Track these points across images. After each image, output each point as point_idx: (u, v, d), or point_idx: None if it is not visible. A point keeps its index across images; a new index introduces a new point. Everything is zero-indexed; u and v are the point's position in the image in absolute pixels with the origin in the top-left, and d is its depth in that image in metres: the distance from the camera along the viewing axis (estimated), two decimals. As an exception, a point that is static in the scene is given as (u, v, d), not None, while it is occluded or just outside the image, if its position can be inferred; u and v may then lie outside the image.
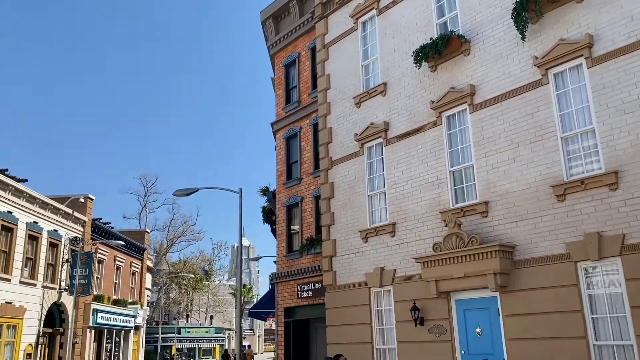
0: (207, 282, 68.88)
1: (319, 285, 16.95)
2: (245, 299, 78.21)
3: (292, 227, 18.82)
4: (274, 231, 25.12)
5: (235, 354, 32.90)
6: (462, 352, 11.44)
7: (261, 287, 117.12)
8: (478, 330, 11.26)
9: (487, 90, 11.88)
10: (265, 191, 20.00)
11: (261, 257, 36.81)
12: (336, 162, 15.40)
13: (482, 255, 10.82)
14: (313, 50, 19.59)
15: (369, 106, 14.66)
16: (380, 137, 14.04)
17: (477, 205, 11.51)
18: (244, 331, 75.27)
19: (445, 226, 11.76)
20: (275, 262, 19.35)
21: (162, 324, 49.37)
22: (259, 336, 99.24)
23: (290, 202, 19.28)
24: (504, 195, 11.13)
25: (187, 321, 64.65)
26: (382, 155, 14.03)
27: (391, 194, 13.52)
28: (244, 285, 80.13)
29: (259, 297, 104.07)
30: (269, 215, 26.28)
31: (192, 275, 56.38)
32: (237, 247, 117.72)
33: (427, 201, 12.57)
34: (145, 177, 66.09)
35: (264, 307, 19.91)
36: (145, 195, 60.53)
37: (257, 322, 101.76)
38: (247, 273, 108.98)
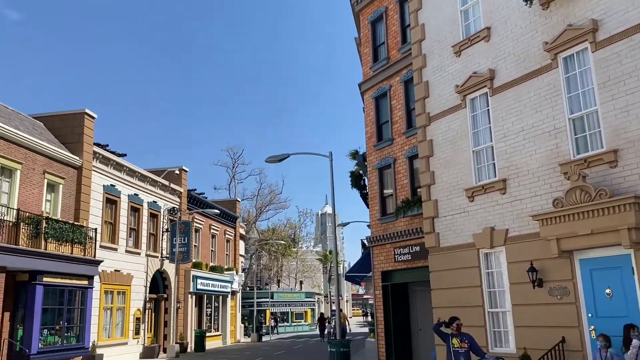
0: (294, 249, 70.36)
1: (417, 248, 16.35)
2: (333, 265, 79.39)
3: (384, 190, 18.21)
4: (363, 195, 24.66)
5: (330, 317, 33.14)
6: (589, 315, 10.47)
7: (347, 254, 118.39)
8: (608, 291, 10.22)
9: (613, 25, 10.48)
10: (355, 155, 19.47)
11: (349, 223, 36.70)
12: (434, 118, 14.51)
13: (613, 210, 9.70)
14: (401, 1, 18.53)
15: (470, 54, 13.57)
16: (485, 86, 12.97)
17: (604, 155, 10.31)
18: (332, 296, 76.53)
19: (567, 179, 10.67)
20: (368, 226, 18.90)
21: (258, 289, 51.02)
22: (347, 301, 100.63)
23: (382, 164, 18.62)
24: (638, 141, 9.86)
25: (278, 286, 66.54)
26: (488, 106, 12.98)
27: (500, 148, 12.51)
28: (331, 252, 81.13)
29: (347, 264, 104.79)
30: (357, 180, 25.77)
31: (282, 242, 57.56)
32: (324, 213, 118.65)
33: (543, 153, 11.48)
34: (232, 149, 67.83)
35: (360, 271, 19.64)
36: (233, 167, 62.26)
37: (346, 287, 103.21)
38: (332, 239, 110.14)
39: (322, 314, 49.34)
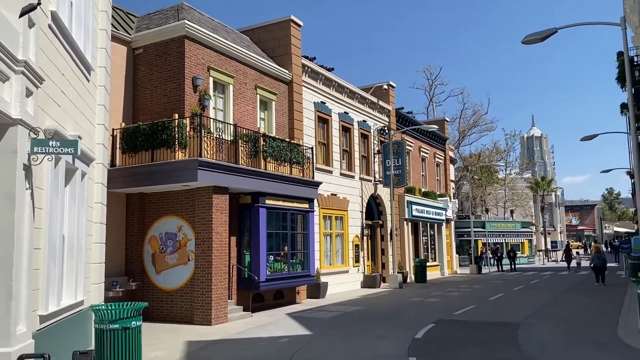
0: (501, 177, 64.13)
1: None
2: (546, 192, 71.21)
3: None
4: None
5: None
6: None
7: (560, 181, 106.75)
8: None
9: None
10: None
11: (596, 135, 29.72)
12: None
13: None
14: None
15: None
16: None
17: None
18: (541, 227, 69.05)
19: None
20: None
21: (466, 218, 47.12)
22: (560, 232, 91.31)
23: None
24: None
25: (488, 216, 61.60)
26: None
27: None
28: (543, 178, 72.69)
29: (561, 191, 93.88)
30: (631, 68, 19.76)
31: (499, 165, 52.18)
32: (531, 137, 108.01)
33: None
34: (429, 69, 63.06)
35: None
36: (430, 88, 57.75)
37: (559, 218, 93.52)
38: (541, 165, 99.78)
39: (568, 243, 44.17)
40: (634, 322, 12.81)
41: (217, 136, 14.78)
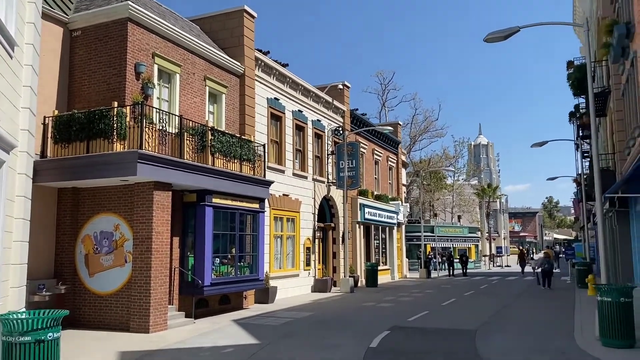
0: (449, 182, 65.13)
1: None
2: (491, 199, 72.73)
3: None
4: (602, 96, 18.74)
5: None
6: None
7: (503, 188, 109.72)
8: None
9: None
10: (609, 26, 13.65)
11: (547, 142, 29.96)
12: None
13: None
14: None
15: None
16: None
17: None
18: (486, 233, 70.42)
19: None
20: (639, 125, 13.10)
21: (415, 222, 47.19)
22: (504, 238, 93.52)
23: None
24: None
25: (435, 221, 62.20)
26: None
27: None
28: (489, 185, 74.24)
29: (505, 199, 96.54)
30: (582, 82, 19.86)
31: (451, 169, 52.93)
32: (478, 145, 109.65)
33: None
34: (382, 74, 63.17)
35: (631, 191, 14.35)
36: (383, 93, 57.78)
37: (502, 223, 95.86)
38: (487, 172, 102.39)
39: (521, 249, 45.19)
40: (589, 329, 12.57)
41: (161, 128, 13.62)
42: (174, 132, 14.12)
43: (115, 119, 12.89)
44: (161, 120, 13.71)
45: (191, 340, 11.86)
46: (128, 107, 13.19)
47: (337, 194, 25.83)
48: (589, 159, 30.55)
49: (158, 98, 15.08)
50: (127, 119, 13.02)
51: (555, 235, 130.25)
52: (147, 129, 12.91)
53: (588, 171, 27.94)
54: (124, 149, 12.82)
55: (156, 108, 13.96)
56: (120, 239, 13.47)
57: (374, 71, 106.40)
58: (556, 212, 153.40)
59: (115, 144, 12.87)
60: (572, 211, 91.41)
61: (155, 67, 14.91)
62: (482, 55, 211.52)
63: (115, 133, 12.86)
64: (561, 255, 53.02)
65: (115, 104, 13.19)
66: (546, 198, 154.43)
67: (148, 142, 12.87)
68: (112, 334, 12.45)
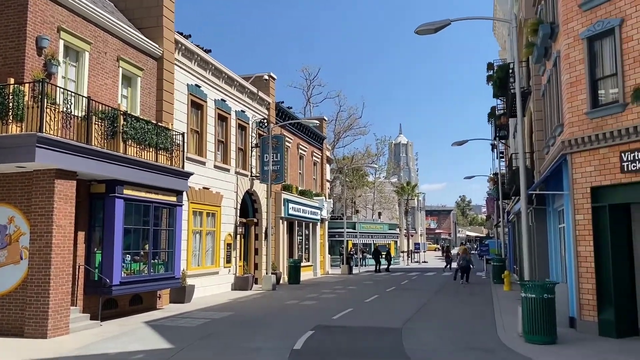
0: (371, 180, 66.18)
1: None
2: (410, 197, 74.60)
3: (596, 70, 12.49)
4: (522, 96, 19.12)
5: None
6: None
7: (421, 187, 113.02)
8: None
9: None
10: (535, 25, 13.76)
11: (467, 141, 30.68)
12: None
13: None
14: None
15: None
16: None
17: None
18: (404, 229, 72.26)
19: None
20: (561, 124, 13.14)
21: (337, 219, 47.22)
22: (421, 235, 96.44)
23: (594, 32, 12.19)
24: None
25: (357, 217, 62.80)
26: None
27: None
28: (408, 183, 76.09)
29: (422, 197, 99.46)
30: (504, 81, 20.29)
31: (374, 166, 53.64)
32: (399, 144, 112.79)
33: None
34: (307, 69, 62.73)
35: (549, 189, 14.60)
36: (308, 88, 57.42)
37: (419, 220, 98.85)
38: (406, 171, 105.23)
39: (447, 246, 46.47)
40: (511, 325, 12.66)
41: (66, 110, 12.21)
42: (81, 115, 12.73)
43: (11, 97, 11.38)
44: (66, 102, 12.28)
45: (95, 345, 10.67)
46: (27, 85, 11.69)
47: (260, 189, 24.99)
48: (504, 159, 31.75)
49: (63, 77, 13.56)
50: (26, 98, 11.53)
51: (468, 232, 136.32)
52: (48, 110, 11.49)
53: (505, 170, 28.94)
54: (20, 132, 11.36)
55: (61, 87, 12.51)
56: (15, 233, 11.95)
57: (300, 66, 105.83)
58: (468, 211, 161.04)
59: (10, 126, 11.37)
60: (484, 209, 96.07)
61: (61, 42, 13.39)
62: (406, 54, 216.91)
63: (10, 113, 11.36)
64: (473, 252, 55.22)
65: (12, 80, 11.66)
66: (460, 197, 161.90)
67: (49, 125, 11.46)
68: (1, 340, 10.98)
